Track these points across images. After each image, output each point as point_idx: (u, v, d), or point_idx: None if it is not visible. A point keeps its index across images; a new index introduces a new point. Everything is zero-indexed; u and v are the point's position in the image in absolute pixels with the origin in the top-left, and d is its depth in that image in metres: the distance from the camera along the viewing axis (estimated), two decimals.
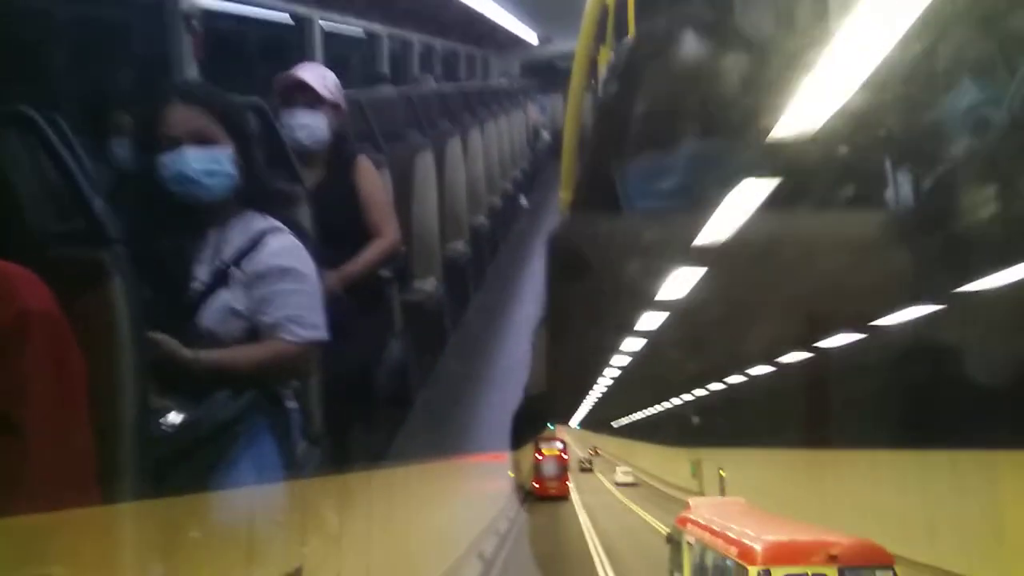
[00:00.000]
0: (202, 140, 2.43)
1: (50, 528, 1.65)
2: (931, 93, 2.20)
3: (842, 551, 3.67)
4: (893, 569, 3.69)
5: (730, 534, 4.13)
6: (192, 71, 4.83)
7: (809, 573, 3.53)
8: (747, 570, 3.63)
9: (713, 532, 4.39)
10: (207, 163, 2.43)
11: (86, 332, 1.91)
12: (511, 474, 13.39)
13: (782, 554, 3.65)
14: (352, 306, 3.37)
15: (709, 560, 4.26)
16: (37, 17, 4.00)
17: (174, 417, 2.18)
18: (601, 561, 9.54)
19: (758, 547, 3.73)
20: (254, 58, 6.29)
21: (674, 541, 5.17)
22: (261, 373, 2.45)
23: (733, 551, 3.90)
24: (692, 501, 5.77)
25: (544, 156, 10.27)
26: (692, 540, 4.72)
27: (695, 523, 4.76)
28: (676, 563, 5.01)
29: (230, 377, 2.37)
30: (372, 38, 7.67)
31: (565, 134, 3.28)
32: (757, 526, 4.24)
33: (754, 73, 1.87)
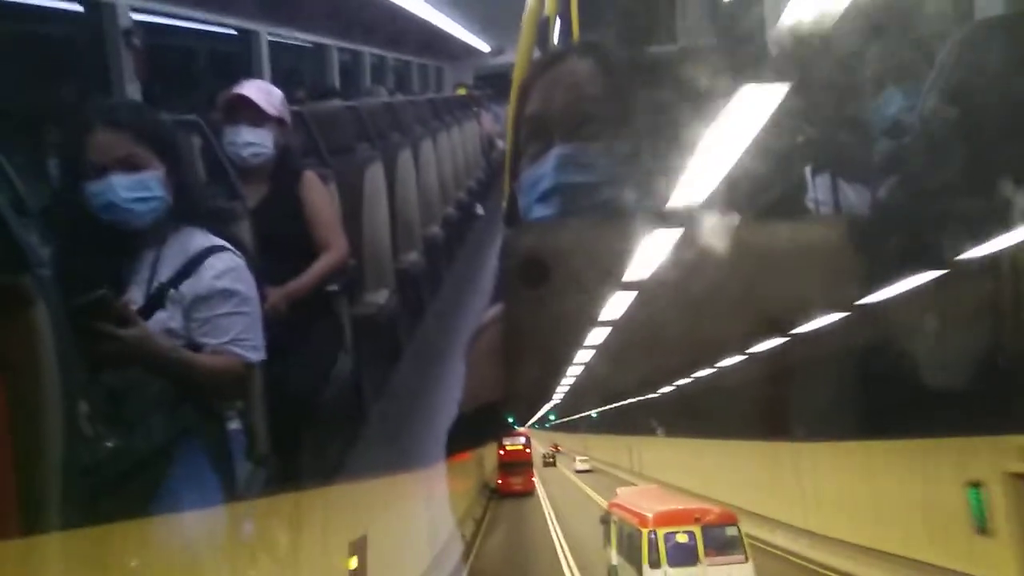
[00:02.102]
0: (130, 166, 2.38)
1: None
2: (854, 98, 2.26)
3: (704, 515, 5.44)
4: (737, 525, 5.44)
5: (635, 509, 5.86)
6: (134, 88, 4.76)
7: (681, 530, 5.26)
8: (642, 532, 5.36)
9: (626, 510, 6.08)
10: (135, 190, 2.38)
11: (8, 361, 1.86)
12: (476, 473, 13.51)
13: (664, 520, 5.40)
14: (299, 323, 3.33)
15: (625, 531, 5.94)
16: None
17: (108, 443, 2.13)
18: (557, 533, 11.87)
19: (649, 515, 5.45)
20: (199, 73, 6.21)
21: (606, 521, 6.87)
22: (212, 383, 2.40)
23: (636, 521, 5.61)
24: (619, 490, 8.03)
25: (499, 165, 10.32)
26: (616, 519, 6.46)
27: (618, 506, 6.52)
28: (607, 537, 6.71)
29: (183, 379, 2.32)
30: (321, 50, 7.63)
31: (507, 145, 3.29)
32: (654, 503, 5.95)
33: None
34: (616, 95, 1.75)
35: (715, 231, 1.93)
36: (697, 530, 5.27)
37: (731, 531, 5.39)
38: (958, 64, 2.14)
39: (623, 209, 1.78)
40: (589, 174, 1.74)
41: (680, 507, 5.66)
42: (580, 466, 21.27)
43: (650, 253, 2.20)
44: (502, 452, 16.50)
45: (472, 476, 13.48)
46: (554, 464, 22.92)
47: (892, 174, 2.12)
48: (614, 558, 6.26)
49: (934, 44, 2.22)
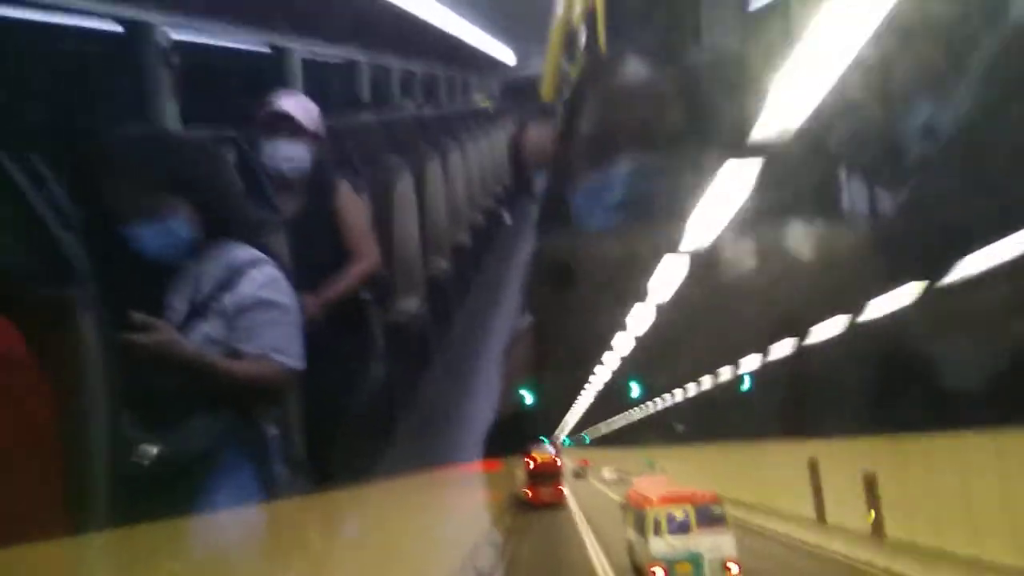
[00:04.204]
0: (151, 216, 2.46)
1: (10, 563, 1.65)
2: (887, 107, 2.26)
3: (696, 498, 6.93)
4: (721, 504, 6.84)
5: (645, 495, 7.32)
6: (172, 106, 4.90)
7: (678, 509, 6.78)
8: (647, 511, 6.90)
9: (639, 496, 7.53)
10: (160, 238, 2.47)
11: (56, 371, 1.93)
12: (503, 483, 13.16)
13: (665, 501, 6.90)
14: (333, 330, 3.39)
15: (638, 513, 7.38)
16: (10, 53, 4.05)
17: (150, 450, 2.20)
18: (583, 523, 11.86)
19: (654, 498, 7.00)
20: (234, 89, 6.36)
21: (625, 507, 8.56)
22: (249, 390, 2.46)
23: (644, 503, 7.08)
24: (635, 480, 9.48)
25: None
26: (631, 504, 7.90)
27: (633, 494, 8.10)
28: (625, 519, 8.29)
29: (221, 385, 2.39)
30: (351, 65, 7.76)
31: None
32: (655, 490, 7.45)
33: (710, 95, 1.92)
34: (680, 100, 1.74)
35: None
36: (690, 508, 6.87)
37: (717, 509, 6.95)
38: (993, 71, 2.13)
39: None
40: (656, 186, 1.73)
41: (677, 491, 7.36)
42: (608, 476, 21.54)
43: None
44: (531, 463, 16.14)
45: (501, 487, 12.86)
46: (584, 477, 23.01)
47: (925, 178, 2.12)
48: (631, 534, 8.08)
49: (969, 51, 2.22)
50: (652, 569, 6.82)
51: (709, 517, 6.83)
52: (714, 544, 6.77)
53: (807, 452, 7.92)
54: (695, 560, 6.75)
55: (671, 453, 12.71)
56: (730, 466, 9.99)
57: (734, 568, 6.74)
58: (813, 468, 7.92)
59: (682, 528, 6.80)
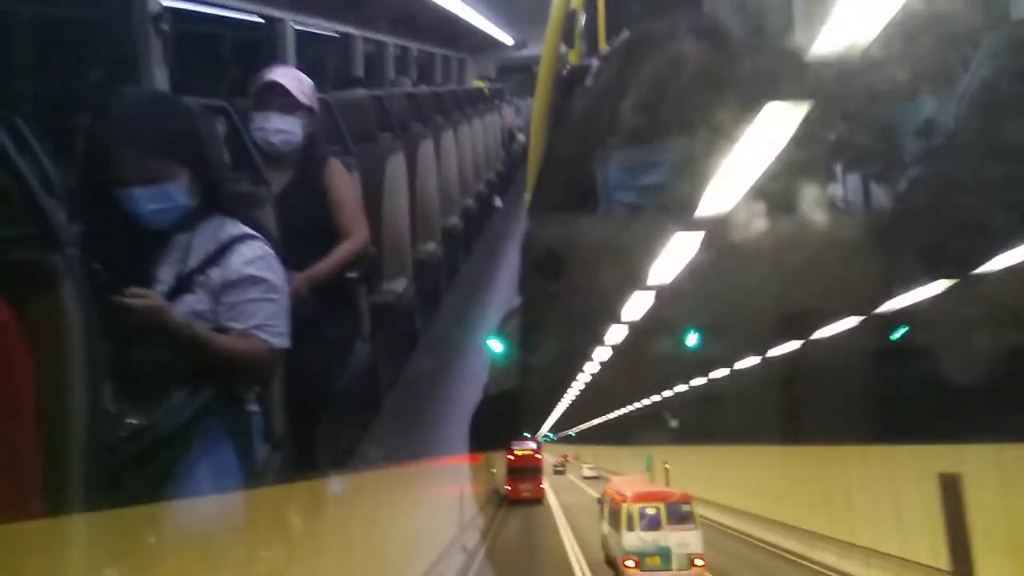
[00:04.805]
0: (150, 179, 2.40)
1: None
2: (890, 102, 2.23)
3: (667, 496, 7.62)
4: (690, 504, 7.49)
5: (620, 491, 7.95)
6: (161, 73, 4.80)
7: (650, 506, 7.35)
8: (623, 507, 7.45)
9: (615, 493, 8.20)
10: (158, 201, 2.42)
11: (36, 338, 1.89)
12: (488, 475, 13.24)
13: (639, 498, 7.50)
14: (319, 308, 3.35)
15: (613, 508, 7.99)
16: None
17: (130, 422, 2.16)
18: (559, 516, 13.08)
19: (628, 495, 7.59)
20: (225, 59, 6.25)
21: (601, 502, 9.19)
22: (233, 366, 2.43)
23: (620, 500, 7.70)
24: (612, 479, 10.68)
25: (519, 158, 10.33)
26: (607, 499, 8.60)
27: (609, 490, 8.70)
28: (601, 513, 9.00)
29: (207, 360, 2.35)
30: (346, 40, 7.65)
31: (531, 137, 3.32)
32: (631, 488, 8.07)
33: (730, 76, 1.88)
34: (737, 82, 1.69)
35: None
36: (662, 506, 7.37)
37: (686, 507, 7.48)
38: (992, 66, 2.11)
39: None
40: (694, 175, 1.69)
41: (651, 489, 8.07)
42: (587, 473, 21.91)
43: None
44: (511, 457, 16.04)
45: (483, 482, 12.72)
46: (564, 473, 23.18)
47: (923, 174, 2.11)
48: (605, 528, 8.62)
49: (969, 47, 2.20)
50: (625, 562, 7.35)
51: (679, 515, 7.43)
52: (682, 540, 7.32)
53: (934, 464, 4.73)
54: (664, 554, 7.30)
55: (689, 457, 10.08)
56: (782, 476, 7.49)
57: (699, 562, 7.36)
58: (949, 489, 4.65)
59: (653, 524, 7.35)
